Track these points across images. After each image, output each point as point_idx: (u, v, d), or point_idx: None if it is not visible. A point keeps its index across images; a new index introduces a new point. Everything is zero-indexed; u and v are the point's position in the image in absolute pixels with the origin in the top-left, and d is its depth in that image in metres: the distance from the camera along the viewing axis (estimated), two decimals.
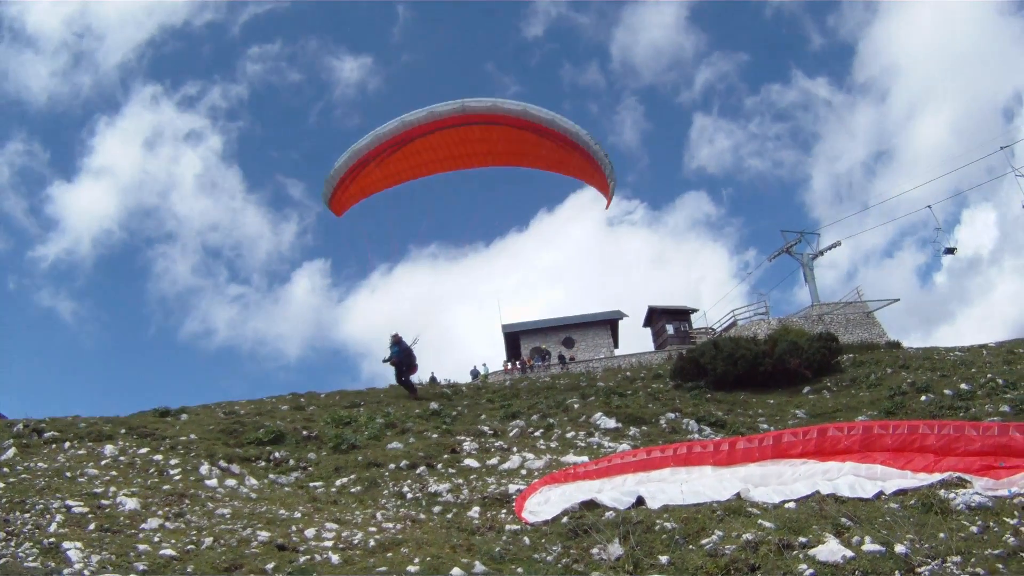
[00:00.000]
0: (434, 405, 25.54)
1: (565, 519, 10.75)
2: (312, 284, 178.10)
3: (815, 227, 66.14)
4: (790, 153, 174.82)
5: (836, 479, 10.35)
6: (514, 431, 20.91)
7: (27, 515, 10.49)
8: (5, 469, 14.15)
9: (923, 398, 21.41)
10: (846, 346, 37.61)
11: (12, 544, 9.03)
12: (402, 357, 29.51)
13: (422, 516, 12.44)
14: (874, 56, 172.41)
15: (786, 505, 9.68)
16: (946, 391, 21.75)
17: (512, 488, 13.75)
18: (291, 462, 17.30)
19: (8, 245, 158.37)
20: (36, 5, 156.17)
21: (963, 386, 22.05)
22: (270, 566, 8.56)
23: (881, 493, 9.65)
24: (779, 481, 10.88)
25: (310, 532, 10.36)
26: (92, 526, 10.07)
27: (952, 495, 8.89)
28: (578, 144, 26.82)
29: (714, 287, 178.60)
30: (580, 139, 26.68)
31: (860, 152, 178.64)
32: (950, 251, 53.07)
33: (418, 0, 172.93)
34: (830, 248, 58.23)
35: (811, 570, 7.23)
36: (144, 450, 16.69)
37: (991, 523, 8.02)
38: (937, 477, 9.69)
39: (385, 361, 29.90)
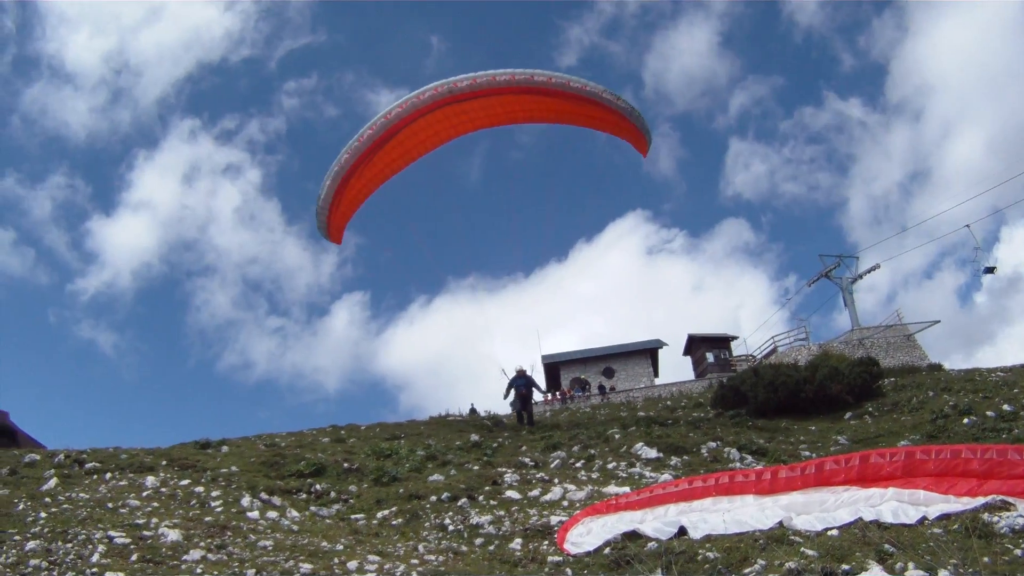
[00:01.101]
0: (475, 437, 25.53)
1: (607, 550, 10.72)
2: (351, 316, 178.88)
3: (854, 251, 65.73)
4: (826, 176, 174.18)
5: (879, 505, 10.26)
6: (555, 462, 20.86)
7: (69, 545, 10.58)
8: (47, 499, 14.29)
9: (965, 421, 21.19)
10: (887, 370, 37.34)
11: (55, 573, 9.12)
12: (526, 389, 30.92)
13: (464, 548, 12.45)
14: (907, 75, 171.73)
15: (829, 533, 9.60)
16: (989, 413, 21.51)
17: (554, 519, 13.73)
18: (332, 494, 17.31)
19: (50, 279, 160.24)
20: (74, 42, 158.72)
21: (1006, 407, 21.83)
22: None
23: (924, 518, 9.56)
24: (821, 508, 10.80)
25: (352, 564, 10.39)
26: (134, 557, 10.15)
27: (996, 518, 8.80)
28: (596, 100, 26.47)
29: (754, 314, 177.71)
30: (598, 96, 26.39)
31: (896, 173, 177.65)
32: (990, 270, 52.48)
33: (452, 32, 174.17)
34: (869, 271, 57.77)
35: None
36: (185, 482, 16.81)
37: None
38: (980, 501, 9.60)
39: (506, 394, 31.16)
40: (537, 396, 35.40)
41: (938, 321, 54.69)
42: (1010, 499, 9.49)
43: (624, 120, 27.19)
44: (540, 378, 33.57)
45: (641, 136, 28.18)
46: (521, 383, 30.84)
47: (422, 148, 27.73)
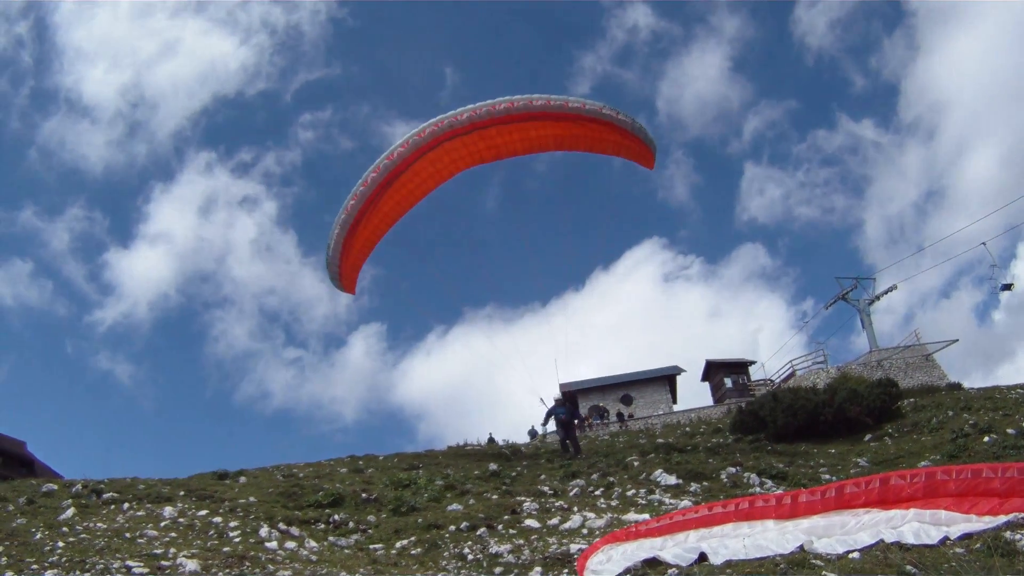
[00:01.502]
0: (493, 466, 25.48)
1: None
2: (368, 347, 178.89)
3: (871, 272, 65.53)
4: (841, 199, 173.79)
5: (900, 527, 10.20)
6: (574, 490, 20.79)
7: (87, 574, 10.59)
8: (65, 529, 14.33)
9: (986, 439, 21.01)
10: (906, 391, 37.15)
11: None
12: (568, 417, 30.17)
13: None
14: (919, 94, 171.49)
15: (850, 555, 9.53)
16: (1009, 430, 21.36)
17: (573, 548, 13.66)
18: (351, 524, 17.28)
19: (68, 310, 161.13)
20: (91, 76, 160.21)
21: None
22: None
23: (946, 538, 9.50)
24: (842, 531, 10.73)
25: None
26: None
27: (1018, 536, 8.74)
28: (596, 119, 26.01)
29: (772, 338, 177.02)
30: (597, 114, 25.90)
31: (912, 193, 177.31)
32: (1007, 287, 52.21)
33: (465, 63, 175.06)
34: (886, 292, 57.58)
35: None
36: (203, 512, 16.82)
37: None
38: (1003, 519, 9.54)
39: (549, 420, 30.17)
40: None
41: (956, 340, 54.35)
42: None
43: (627, 136, 26.84)
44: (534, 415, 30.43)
45: (645, 148, 27.75)
46: (562, 411, 29.94)
47: (425, 187, 27.34)
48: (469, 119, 25.39)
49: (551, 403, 30.05)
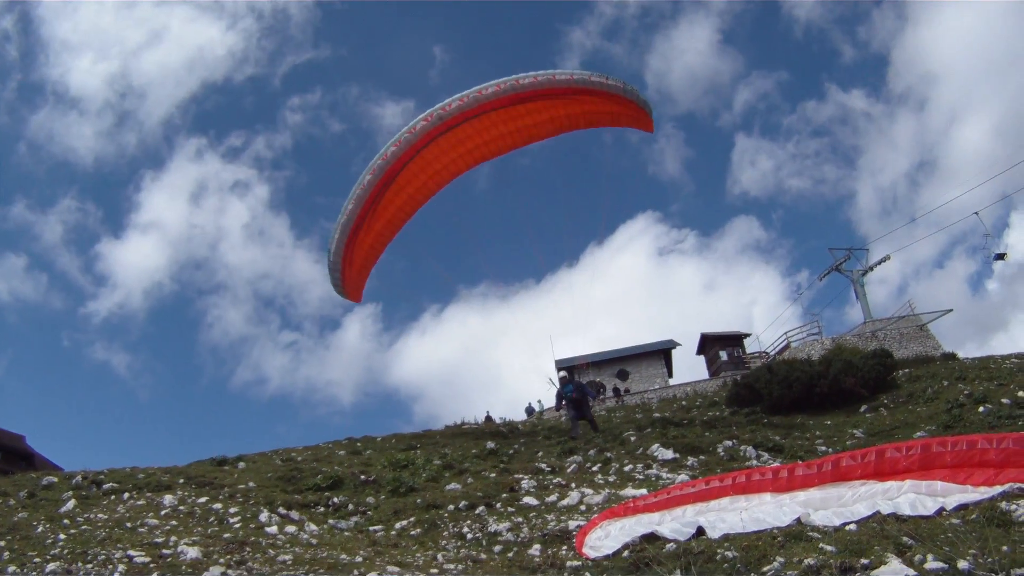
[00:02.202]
0: (491, 444, 25.55)
1: (626, 553, 10.69)
2: (363, 329, 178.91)
3: (864, 243, 65.56)
4: (833, 169, 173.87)
5: (896, 498, 10.24)
6: (572, 467, 20.87)
7: (90, 566, 10.63)
8: (66, 520, 14.36)
9: (981, 409, 21.08)
10: (901, 361, 37.31)
11: None
12: (579, 394, 28.44)
13: (483, 556, 12.43)
14: (909, 65, 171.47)
15: (847, 527, 9.57)
16: (1004, 400, 21.44)
17: (572, 524, 13.72)
18: (350, 507, 17.34)
19: (63, 303, 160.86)
20: (78, 67, 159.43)
21: (1021, 394, 21.77)
22: None
23: (942, 509, 9.54)
24: (839, 503, 10.77)
25: None
26: (155, 575, 10.18)
27: (1014, 506, 8.77)
28: (586, 88, 25.33)
29: (767, 310, 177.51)
30: (586, 83, 25.28)
31: (903, 163, 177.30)
32: (1000, 256, 52.43)
33: (454, 41, 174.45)
34: (879, 263, 57.68)
35: None
36: (203, 499, 16.86)
37: None
38: (998, 490, 9.56)
39: (558, 406, 30.20)
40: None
41: (951, 310, 54.53)
42: None
43: (621, 103, 26.34)
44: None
45: (642, 112, 27.08)
46: (570, 389, 28.44)
47: (426, 191, 26.72)
48: (459, 108, 24.69)
49: (559, 384, 29.20)
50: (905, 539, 8.45)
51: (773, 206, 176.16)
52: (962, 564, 7.30)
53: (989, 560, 7.33)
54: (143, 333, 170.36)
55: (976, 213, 50.72)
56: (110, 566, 10.53)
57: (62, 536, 12.73)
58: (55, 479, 19.21)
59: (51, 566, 10.49)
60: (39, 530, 13.38)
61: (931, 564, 7.47)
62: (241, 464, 22.94)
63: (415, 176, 25.99)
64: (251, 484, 18.70)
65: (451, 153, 25.98)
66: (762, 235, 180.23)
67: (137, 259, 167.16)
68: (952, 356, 40.81)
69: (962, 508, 9.45)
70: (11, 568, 10.42)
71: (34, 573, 10.19)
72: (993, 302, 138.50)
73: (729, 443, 21.87)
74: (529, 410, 54.07)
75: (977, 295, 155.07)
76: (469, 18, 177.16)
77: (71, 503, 16.12)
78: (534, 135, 26.61)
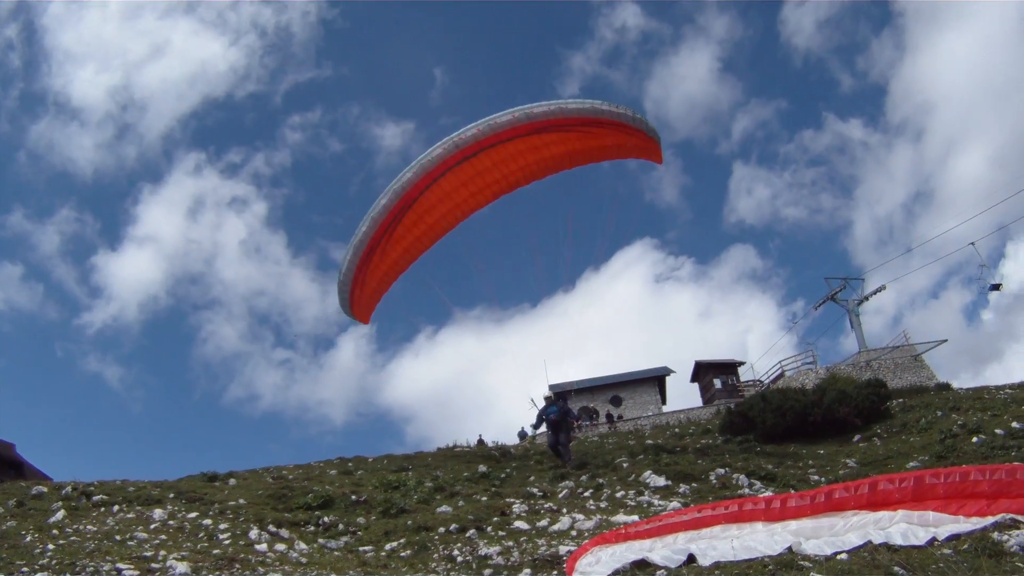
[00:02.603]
0: (483, 468, 25.51)
1: None
2: (357, 349, 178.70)
3: (860, 273, 65.64)
4: (829, 199, 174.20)
5: (888, 528, 10.22)
6: (563, 492, 20.83)
7: None
8: (55, 531, 14.32)
9: (975, 440, 21.04)
10: (895, 391, 37.30)
11: None
12: (560, 417, 27.16)
13: None
14: (907, 95, 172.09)
15: (838, 556, 9.55)
16: (998, 431, 21.38)
17: (563, 549, 13.67)
18: (340, 526, 17.28)
19: (57, 313, 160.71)
20: (80, 78, 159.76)
21: (1015, 424, 21.71)
22: None
23: (934, 539, 9.52)
24: (831, 533, 10.76)
25: None
26: None
27: (1005, 537, 8.76)
28: (598, 119, 24.75)
29: (761, 339, 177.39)
30: (598, 113, 24.73)
31: (900, 194, 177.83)
32: (996, 287, 52.45)
33: (455, 64, 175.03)
34: (875, 293, 57.75)
35: None
36: (193, 514, 16.81)
37: None
38: (990, 520, 9.56)
39: (536, 425, 28.44)
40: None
41: (945, 340, 54.48)
42: (1020, 517, 9.46)
43: (633, 133, 25.72)
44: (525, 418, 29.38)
45: (652, 142, 26.44)
46: (553, 411, 27.26)
47: (445, 223, 26.28)
48: (474, 137, 24.43)
49: (542, 404, 28.12)
50: (897, 569, 8.44)
51: (770, 235, 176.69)
52: None
53: None
54: (137, 346, 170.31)
55: (972, 243, 50.78)
56: None
57: (51, 546, 12.70)
58: (45, 489, 19.14)
59: None
60: (27, 540, 13.35)
61: None
62: (232, 480, 22.91)
63: (434, 207, 25.72)
64: (241, 501, 18.65)
65: (470, 186, 25.72)
66: (759, 264, 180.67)
67: (133, 272, 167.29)
68: (946, 386, 40.81)
69: (954, 538, 9.44)
70: None
71: None
72: (988, 332, 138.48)
73: (722, 471, 21.82)
74: (522, 434, 53.96)
75: (972, 325, 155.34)
76: (470, 41, 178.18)
77: (60, 514, 16.08)
78: (551, 167, 26.34)
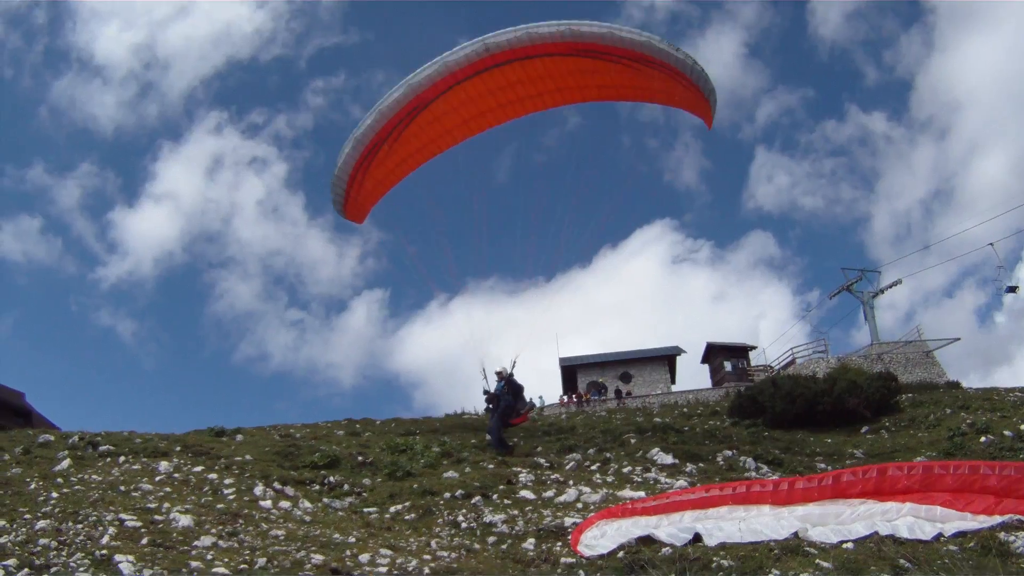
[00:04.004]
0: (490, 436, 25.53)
1: (621, 554, 10.67)
2: (369, 314, 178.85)
3: (876, 266, 65.34)
4: (849, 190, 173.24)
5: (895, 520, 10.21)
6: (570, 464, 20.85)
7: (80, 526, 10.64)
8: (59, 479, 14.38)
9: (983, 439, 21.03)
10: (905, 386, 37.22)
11: (64, 554, 9.16)
12: (505, 398, 23.83)
13: (476, 546, 12.44)
14: (933, 92, 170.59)
15: (844, 545, 9.55)
16: (1006, 432, 21.36)
17: (568, 521, 13.71)
18: (346, 487, 17.33)
19: (73, 267, 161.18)
20: (104, 35, 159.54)
21: (1023, 427, 21.68)
22: None
23: (940, 535, 9.52)
24: (837, 521, 10.75)
25: (364, 557, 10.41)
26: (145, 540, 10.20)
27: (1012, 538, 8.75)
28: (648, 56, 21.45)
29: (774, 326, 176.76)
30: (652, 50, 21.37)
31: (920, 190, 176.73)
32: (1012, 289, 52.18)
33: (479, 33, 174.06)
34: (891, 286, 57.50)
35: None
36: (199, 468, 16.87)
37: None
38: (998, 520, 9.54)
39: (490, 402, 24.51)
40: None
41: (958, 338, 54.29)
42: None
43: (685, 83, 22.48)
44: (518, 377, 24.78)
45: (704, 101, 23.42)
46: (499, 388, 24.19)
47: (463, 131, 23.97)
48: (509, 44, 21.73)
49: (495, 383, 24.68)
50: (902, 562, 8.44)
51: (787, 222, 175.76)
52: None
53: None
54: (150, 301, 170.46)
55: (991, 244, 50.51)
56: (100, 528, 10.55)
57: (54, 494, 12.74)
58: (52, 438, 19.22)
59: (41, 523, 10.50)
60: (32, 487, 13.40)
61: None
62: (239, 436, 22.91)
63: (454, 110, 23.28)
64: (248, 457, 18.69)
65: (499, 97, 23.20)
66: (776, 252, 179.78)
67: (149, 228, 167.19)
68: (956, 385, 40.74)
69: (960, 535, 9.43)
70: (0, 523, 10.43)
71: (23, 529, 10.19)
72: (1000, 335, 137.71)
73: (729, 453, 21.83)
74: (530, 405, 54.01)
75: (984, 327, 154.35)
76: (495, 11, 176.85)
77: (66, 463, 16.11)
78: (588, 95, 23.91)
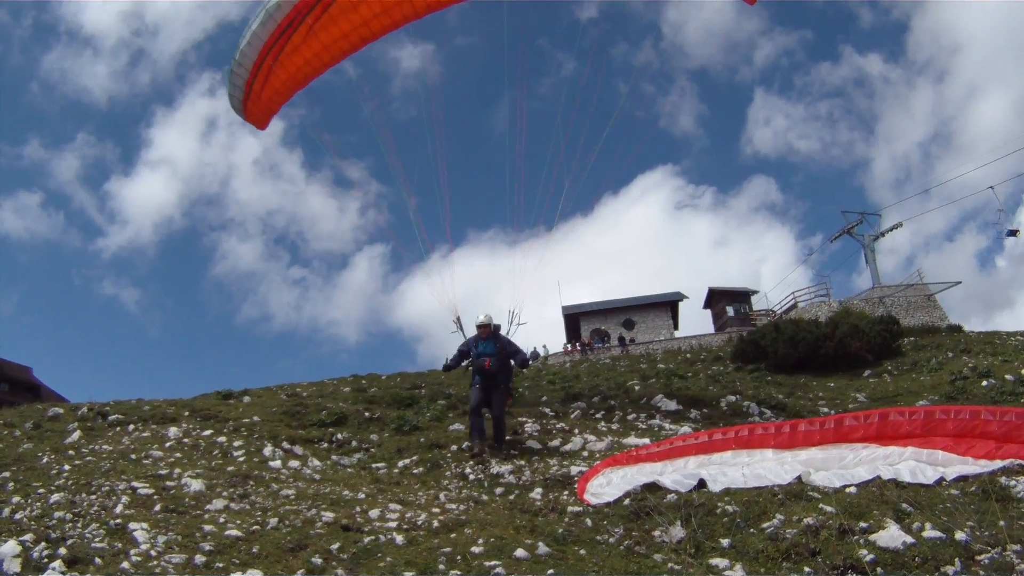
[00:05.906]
0: None
1: (627, 501, 10.79)
2: (370, 269, 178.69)
3: (877, 210, 65.31)
4: (846, 132, 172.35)
5: (897, 464, 10.30)
6: (575, 412, 20.95)
7: (93, 496, 10.72)
8: (71, 452, 14.44)
9: (984, 383, 21.07)
10: (907, 329, 37.42)
11: (79, 525, 9.24)
12: (497, 363, 16.80)
13: (484, 497, 12.54)
14: (931, 34, 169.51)
15: (847, 490, 9.65)
16: (1008, 376, 21.38)
17: (574, 470, 13.82)
18: (354, 443, 17.43)
19: (74, 240, 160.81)
20: (91, 4, 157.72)
21: None
22: (335, 546, 8.72)
23: (942, 479, 9.61)
24: (840, 465, 10.84)
25: (374, 513, 10.52)
26: (158, 507, 10.28)
27: (1013, 482, 8.84)
28: None
29: (776, 270, 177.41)
30: None
31: (919, 133, 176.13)
32: (1012, 233, 52.23)
33: None
34: (892, 229, 57.56)
35: (871, 556, 7.26)
36: (208, 432, 16.93)
37: None
38: (998, 464, 9.63)
39: (453, 363, 17.77)
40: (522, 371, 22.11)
41: (959, 282, 54.59)
42: None
43: None
44: (519, 340, 17.92)
45: None
46: (489, 350, 16.89)
47: (391, 17, 19.38)
48: None
49: (471, 333, 17.83)
50: (904, 506, 8.55)
51: (787, 166, 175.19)
52: (959, 535, 7.40)
53: (986, 533, 7.43)
54: (152, 268, 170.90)
55: (991, 187, 50.62)
56: (114, 497, 10.63)
57: (67, 467, 12.82)
58: (61, 410, 19.28)
59: (55, 496, 10.59)
60: (44, 461, 13.46)
61: (929, 532, 7.57)
62: (246, 398, 23.00)
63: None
64: (256, 418, 18.76)
65: None
66: (778, 197, 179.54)
67: (148, 194, 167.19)
68: (958, 328, 40.87)
69: (962, 479, 9.52)
70: (15, 499, 10.51)
71: (38, 504, 10.28)
72: (1001, 279, 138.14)
73: (732, 398, 21.97)
74: (534, 355, 54.21)
75: (985, 271, 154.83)
76: None
77: (76, 434, 16.17)
78: None
